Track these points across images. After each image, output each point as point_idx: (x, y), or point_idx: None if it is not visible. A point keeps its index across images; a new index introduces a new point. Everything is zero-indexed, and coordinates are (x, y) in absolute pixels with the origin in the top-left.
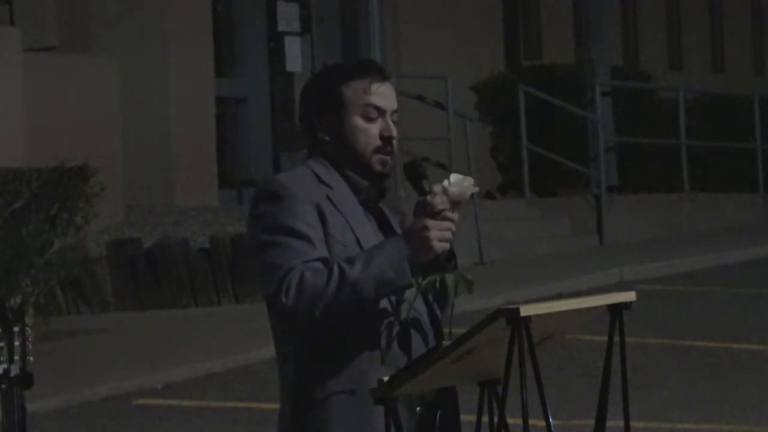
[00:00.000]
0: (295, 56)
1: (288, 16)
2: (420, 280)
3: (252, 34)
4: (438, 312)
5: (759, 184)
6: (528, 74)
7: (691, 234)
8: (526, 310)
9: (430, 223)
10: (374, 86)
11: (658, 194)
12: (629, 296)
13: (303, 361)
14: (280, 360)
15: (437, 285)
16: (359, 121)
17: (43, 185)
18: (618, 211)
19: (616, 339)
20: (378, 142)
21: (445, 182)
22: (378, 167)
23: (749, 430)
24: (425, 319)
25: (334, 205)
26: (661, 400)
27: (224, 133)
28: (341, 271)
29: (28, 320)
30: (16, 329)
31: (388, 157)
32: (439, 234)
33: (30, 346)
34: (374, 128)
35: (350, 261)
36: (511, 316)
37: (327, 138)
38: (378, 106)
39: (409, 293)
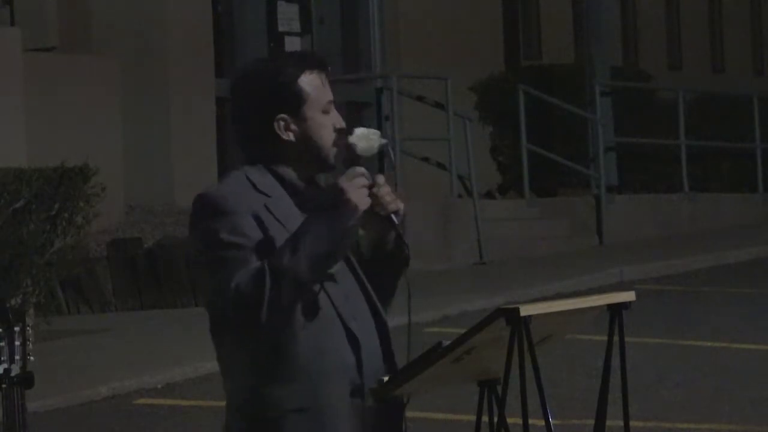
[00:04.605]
0: None
1: (288, 16)
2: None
3: (252, 34)
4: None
5: (758, 184)
6: (528, 74)
7: (691, 234)
8: (526, 310)
9: (345, 185)
10: (324, 78)
11: (658, 194)
12: (629, 296)
13: (254, 379)
14: (229, 377)
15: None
16: (320, 117)
17: (43, 185)
18: (618, 211)
19: (616, 339)
20: (333, 135)
21: (351, 138)
22: (332, 161)
23: (749, 430)
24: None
25: (272, 214)
26: (661, 400)
27: (224, 133)
28: (270, 266)
29: (28, 320)
30: (16, 329)
31: (337, 149)
32: (357, 192)
33: (30, 346)
34: (329, 121)
35: (277, 254)
36: (511, 316)
37: (292, 138)
38: (332, 99)
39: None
